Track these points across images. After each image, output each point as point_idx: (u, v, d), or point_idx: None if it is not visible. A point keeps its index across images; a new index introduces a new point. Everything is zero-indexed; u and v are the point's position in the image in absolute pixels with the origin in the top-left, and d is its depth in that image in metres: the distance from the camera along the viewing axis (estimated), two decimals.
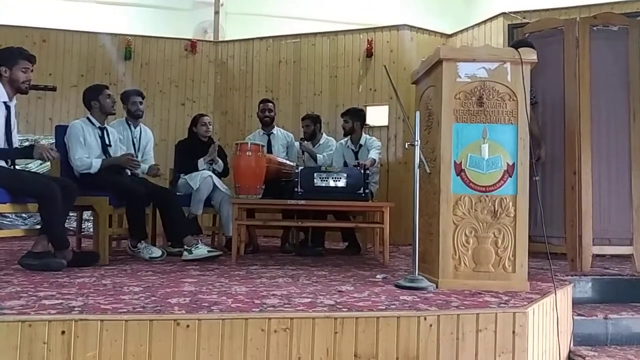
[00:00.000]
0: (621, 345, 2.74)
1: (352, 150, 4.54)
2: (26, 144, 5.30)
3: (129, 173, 3.80)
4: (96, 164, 3.51)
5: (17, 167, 3.14)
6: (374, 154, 4.33)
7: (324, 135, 4.92)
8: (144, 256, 3.51)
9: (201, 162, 4.24)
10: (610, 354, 2.59)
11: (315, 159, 4.59)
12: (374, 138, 4.63)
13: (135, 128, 4.13)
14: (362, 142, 4.52)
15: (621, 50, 3.49)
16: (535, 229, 3.02)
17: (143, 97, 4.19)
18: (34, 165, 5.10)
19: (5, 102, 2.99)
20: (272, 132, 4.76)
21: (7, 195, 2.82)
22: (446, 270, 2.60)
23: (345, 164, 4.44)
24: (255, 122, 4.95)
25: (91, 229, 3.72)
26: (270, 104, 4.77)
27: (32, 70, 3.08)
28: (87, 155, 3.52)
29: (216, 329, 1.83)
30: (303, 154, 4.73)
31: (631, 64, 3.46)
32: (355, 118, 4.54)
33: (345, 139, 4.62)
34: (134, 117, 4.12)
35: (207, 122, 4.46)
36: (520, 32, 3.92)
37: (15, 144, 3.09)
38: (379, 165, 4.60)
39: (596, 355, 2.57)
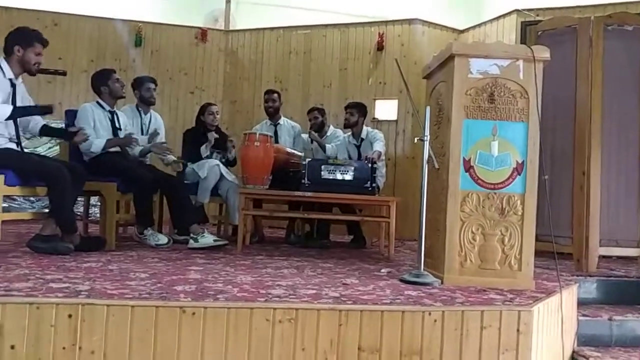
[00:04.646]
0: (625, 347, 2.73)
1: (355, 144, 4.52)
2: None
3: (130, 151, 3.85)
4: (99, 143, 3.50)
5: (25, 150, 3.15)
6: (379, 147, 4.30)
7: (332, 127, 4.91)
8: (150, 243, 3.53)
9: (203, 149, 4.24)
10: (613, 356, 2.58)
11: (324, 149, 4.58)
12: (375, 130, 4.61)
13: (145, 115, 4.12)
14: (363, 135, 4.50)
15: (635, 51, 3.46)
16: (542, 227, 3.00)
17: (156, 84, 4.19)
18: (42, 149, 5.12)
19: (10, 79, 3.00)
20: (278, 123, 4.75)
21: (16, 178, 2.84)
22: (452, 266, 2.59)
23: (349, 158, 4.42)
24: (264, 112, 4.94)
25: (98, 215, 3.74)
26: (275, 95, 4.75)
27: (42, 55, 3.09)
28: (95, 137, 3.53)
29: (221, 317, 1.84)
30: (312, 142, 4.72)
31: None
32: (360, 113, 4.51)
33: (348, 133, 4.60)
34: (146, 104, 4.12)
35: (214, 112, 4.45)
36: (534, 30, 3.88)
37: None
38: (384, 158, 4.59)
39: (600, 356, 2.56)
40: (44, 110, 3.08)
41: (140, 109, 4.11)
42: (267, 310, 1.89)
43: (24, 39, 3.02)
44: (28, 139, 3.79)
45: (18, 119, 3.01)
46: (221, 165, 4.17)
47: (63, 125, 3.80)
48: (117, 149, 3.65)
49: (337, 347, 1.90)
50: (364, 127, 4.54)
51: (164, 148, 3.89)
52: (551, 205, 2.68)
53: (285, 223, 4.84)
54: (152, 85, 4.12)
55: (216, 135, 4.33)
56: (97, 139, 3.52)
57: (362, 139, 4.50)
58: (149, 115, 4.15)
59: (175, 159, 4.13)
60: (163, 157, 4.00)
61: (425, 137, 2.65)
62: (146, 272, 2.45)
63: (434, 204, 2.77)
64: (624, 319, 2.80)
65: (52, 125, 3.38)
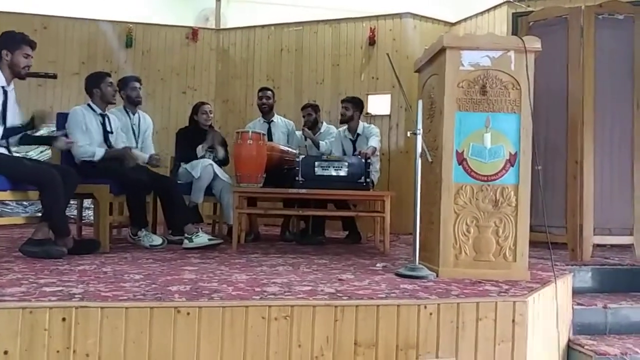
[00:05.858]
0: (620, 334, 2.74)
1: (350, 139, 4.51)
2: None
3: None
4: (99, 152, 3.51)
5: (17, 154, 3.13)
6: (374, 142, 4.30)
7: (325, 123, 4.90)
8: (145, 244, 3.52)
9: (200, 149, 4.22)
10: (609, 343, 2.59)
11: (317, 146, 4.58)
12: (372, 126, 4.60)
13: (133, 115, 4.08)
14: (359, 131, 4.49)
15: (626, 40, 3.46)
16: (536, 218, 3.01)
17: (141, 83, 4.15)
18: (34, 153, 5.09)
19: (3, 87, 2.98)
20: (272, 120, 4.74)
21: (7, 182, 2.82)
22: (447, 259, 2.60)
23: (344, 153, 4.42)
24: (257, 110, 4.94)
25: (92, 217, 3.73)
26: (269, 92, 4.75)
27: (32, 57, 3.07)
28: (89, 143, 3.52)
29: (216, 316, 1.84)
30: (306, 140, 4.72)
31: (636, 54, 3.44)
32: (356, 107, 4.50)
33: (344, 128, 4.59)
34: (133, 104, 4.07)
35: (207, 111, 4.44)
36: (525, 21, 3.88)
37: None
38: (378, 153, 4.59)
39: (595, 344, 2.57)
40: (28, 127, 3.07)
41: (127, 109, 4.07)
42: (262, 308, 1.88)
43: (10, 42, 2.99)
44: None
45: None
46: (214, 164, 4.15)
47: (55, 129, 3.78)
48: None
49: (333, 343, 1.90)
50: (360, 122, 4.53)
51: (130, 156, 3.67)
52: (545, 196, 2.68)
53: (280, 221, 4.84)
54: (138, 85, 4.07)
55: (214, 136, 4.30)
56: (96, 148, 3.52)
57: (358, 134, 4.49)
58: (137, 115, 4.10)
59: (147, 156, 3.96)
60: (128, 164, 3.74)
61: (418, 131, 2.65)
62: (140, 274, 2.44)
63: (428, 198, 2.76)
64: (618, 306, 2.81)
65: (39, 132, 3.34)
